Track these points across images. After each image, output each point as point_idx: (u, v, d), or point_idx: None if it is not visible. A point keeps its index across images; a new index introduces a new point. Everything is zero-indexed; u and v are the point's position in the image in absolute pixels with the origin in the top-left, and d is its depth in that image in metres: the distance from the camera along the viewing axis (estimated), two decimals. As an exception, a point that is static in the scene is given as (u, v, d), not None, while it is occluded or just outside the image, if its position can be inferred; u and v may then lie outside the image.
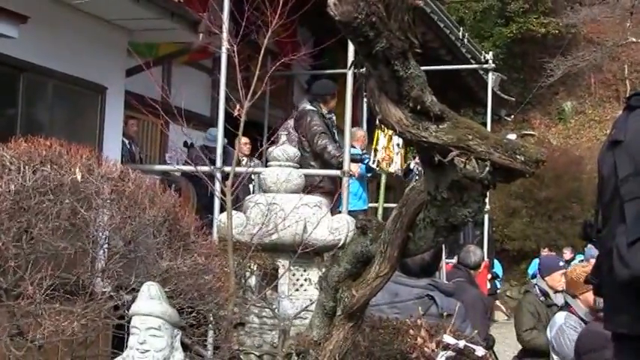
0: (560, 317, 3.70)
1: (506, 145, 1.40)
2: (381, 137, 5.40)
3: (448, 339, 1.79)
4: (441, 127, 1.38)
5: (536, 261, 12.83)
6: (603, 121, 17.17)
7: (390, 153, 5.46)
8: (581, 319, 3.57)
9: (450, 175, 1.39)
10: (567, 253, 11.64)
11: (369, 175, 5.62)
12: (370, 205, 6.66)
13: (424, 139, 1.37)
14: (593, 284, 2.24)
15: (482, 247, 7.24)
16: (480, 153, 1.37)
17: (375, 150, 5.48)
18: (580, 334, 3.24)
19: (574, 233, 12.27)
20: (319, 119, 4.92)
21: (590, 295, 3.54)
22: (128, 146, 5.16)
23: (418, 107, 1.37)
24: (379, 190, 5.79)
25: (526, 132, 14.07)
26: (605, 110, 18.36)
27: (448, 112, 1.42)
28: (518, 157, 1.39)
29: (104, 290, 2.13)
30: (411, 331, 1.87)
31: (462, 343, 1.80)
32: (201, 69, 6.61)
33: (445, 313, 2.22)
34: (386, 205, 5.70)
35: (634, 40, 17.59)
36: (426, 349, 1.78)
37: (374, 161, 5.43)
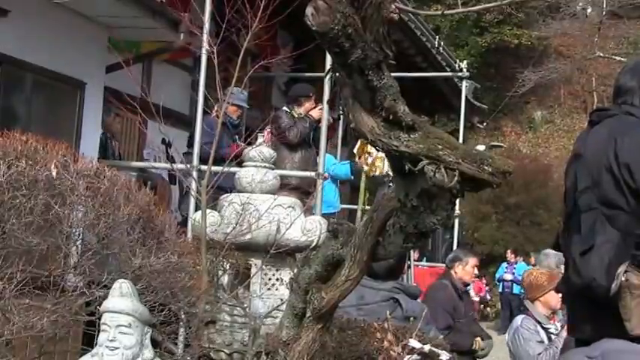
0: (517, 320, 3.83)
1: (474, 156, 1.46)
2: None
3: (414, 343, 1.84)
4: (412, 136, 1.43)
5: (503, 265, 13.11)
6: (571, 131, 17.65)
7: (365, 159, 5.54)
8: (537, 322, 3.70)
9: (420, 184, 1.44)
10: (534, 259, 11.91)
11: (352, 177, 5.67)
12: (349, 206, 6.72)
13: (395, 148, 1.42)
14: (561, 292, 2.33)
15: (451, 251, 7.38)
16: (449, 163, 1.43)
17: (369, 153, 5.55)
18: (564, 342, 3.34)
19: (540, 239, 12.59)
20: (287, 116, 4.99)
21: (549, 297, 3.67)
22: (104, 141, 5.10)
23: (390, 117, 1.42)
24: (359, 193, 5.84)
25: (494, 143, 14.35)
26: (573, 120, 18.89)
27: (419, 122, 1.47)
28: (485, 167, 1.44)
29: (75, 286, 2.13)
30: (378, 334, 1.92)
31: (427, 348, 1.86)
32: (182, 67, 6.58)
33: (410, 316, 2.28)
34: (368, 207, 5.76)
35: (601, 54, 18.14)
36: (391, 352, 1.83)
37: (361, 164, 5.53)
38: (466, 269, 4.37)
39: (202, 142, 4.19)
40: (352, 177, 5.70)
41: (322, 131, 4.55)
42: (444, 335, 3.96)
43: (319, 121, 4.86)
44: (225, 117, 4.77)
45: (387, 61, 1.41)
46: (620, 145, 2.00)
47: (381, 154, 5.46)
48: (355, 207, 5.96)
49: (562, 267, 4.84)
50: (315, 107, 5.08)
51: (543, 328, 3.68)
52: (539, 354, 3.55)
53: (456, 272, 4.33)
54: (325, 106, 4.79)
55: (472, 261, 4.44)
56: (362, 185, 5.68)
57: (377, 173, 5.64)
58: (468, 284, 4.52)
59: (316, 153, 5.02)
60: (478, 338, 4.16)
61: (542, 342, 3.63)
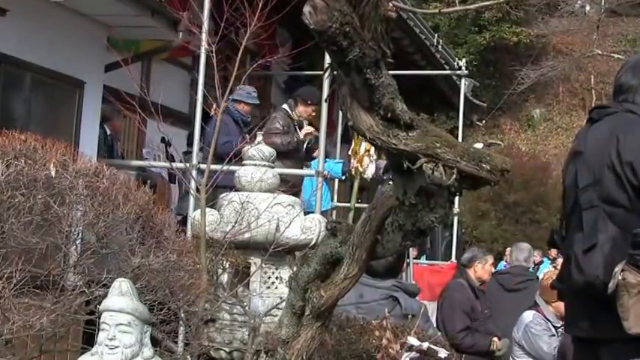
0: (527, 316, 3.82)
1: (472, 154, 1.46)
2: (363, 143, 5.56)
3: (412, 340, 1.85)
4: (410, 134, 1.44)
5: (502, 263, 13.12)
6: (570, 129, 17.69)
7: (361, 158, 5.61)
8: (547, 319, 3.70)
9: (418, 182, 1.45)
10: (537, 257, 11.88)
11: (342, 177, 5.75)
12: (342, 204, 6.77)
13: (394, 146, 1.43)
14: (558, 289, 2.34)
15: (451, 249, 7.39)
16: (447, 161, 1.43)
17: (356, 153, 5.63)
18: (565, 342, 3.35)
19: (539, 236, 12.61)
20: (284, 118, 5.01)
21: (561, 304, 3.66)
22: (110, 142, 5.14)
23: (389, 115, 1.42)
24: (352, 191, 5.91)
25: (492, 141, 14.38)
26: (571, 118, 18.93)
27: (418, 121, 1.48)
28: (483, 165, 1.45)
29: (75, 285, 2.13)
30: (377, 332, 1.93)
31: (425, 345, 1.86)
32: (181, 66, 6.58)
33: (409, 314, 2.29)
34: (358, 205, 5.81)
35: (599, 52, 18.17)
36: (390, 350, 1.84)
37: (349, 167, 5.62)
38: (485, 267, 4.40)
39: (221, 142, 4.26)
40: (343, 177, 5.76)
41: (322, 127, 4.57)
42: (462, 336, 3.97)
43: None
44: (238, 115, 4.88)
45: (385, 59, 1.41)
46: (623, 143, 2.00)
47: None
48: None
49: (532, 261, 4.75)
50: (310, 113, 5.12)
51: (553, 326, 3.69)
52: (555, 347, 3.55)
53: (476, 271, 4.34)
54: (324, 104, 4.82)
55: (490, 259, 4.51)
56: (355, 185, 5.74)
57: (365, 175, 5.72)
58: (484, 282, 4.51)
59: (306, 157, 5.08)
60: (495, 338, 4.11)
61: (553, 335, 3.63)
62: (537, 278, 4.70)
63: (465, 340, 4.01)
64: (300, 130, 5.09)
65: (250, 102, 5.04)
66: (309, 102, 5.14)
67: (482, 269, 4.36)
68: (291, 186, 4.54)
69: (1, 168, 1.96)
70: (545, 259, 11.51)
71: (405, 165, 1.43)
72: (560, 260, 5.23)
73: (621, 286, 1.82)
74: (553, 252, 9.70)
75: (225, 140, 4.38)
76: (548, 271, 4.44)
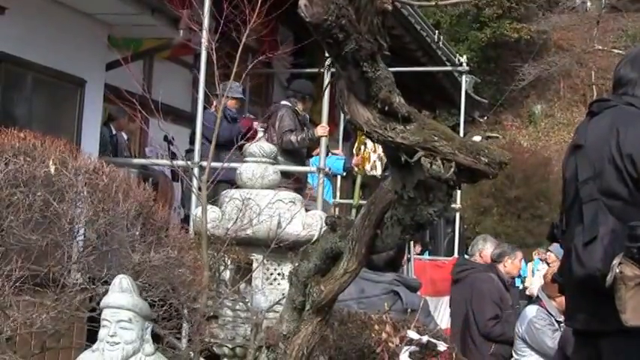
0: (530, 311, 3.81)
1: (470, 147, 1.45)
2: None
3: (412, 334, 1.85)
4: (407, 128, 1.43)
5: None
6: (571, 124, 17.68)
7: (364, 155, 5.62)
8: (550, 314, 3.69)
9: (417, 175, 1.44)
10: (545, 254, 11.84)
11: (344, 174, 5.76)
12: (345, 201, 6.78)
13: (391, 140, 1.42)
14: (558, 283, 2.34)
15: (453, 245, 7.39)
16: (445, 154, 1.42)
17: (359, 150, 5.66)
18: (564, 335, 3.34)
19: (541, 232, 12.58)
20: (291, 115, 5.00)
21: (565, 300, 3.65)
22: (127, 142, 5.15)
23: (386, 108, 1.41)
24: (355, 188, 5.93)
25: (490, 134, 14.33)
26: (572, 114, 18.91)
27: (415, 114, 1.47)
28: (482, 158, 1.44)
29: (75, 282, 2.14)
30: (377, 327, 1.93)
31: (425, 338, 1.86)
32: (183, 64, 6.59)
33: (409, 309, 2.29)
34: (362, 202, 5.82)
35: (600, 47, 18.14)
36: (390, 343, 1.84)
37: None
38: (514, 263, 4.42)
39: (207, 138, 4.26)
40: (344, 173, 5.78)
41: (323, 121, 4.57)
42: (492, 324, 3.99)
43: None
44: (225, 110, 4.86)
45: (382, 52, 1.40)
46: (623, 136, 1.99)
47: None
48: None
49: (506, 260, 4.70)
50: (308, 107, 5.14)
51: (556, 320, 3.68)
52: None
53: (505, 266, 4.35)
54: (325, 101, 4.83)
55: (519, 255, 4.52)
56: (357, 182, 5.76)
57: (373, 172, 5.73)
58: (514, 277, 4.52)
59: (307, 155, 5.10)
60: None
61: (557, 330, 3.63)
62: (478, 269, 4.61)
63: (495, 328, 4.05)
64: (305, 126, 5.09)
65: (235, 96, 5.00)
66: (310, 94, 5.17)
67: (511, 264, 4.38)
68: (294, 180, 4.55)
69: (0, 166, 1.97)
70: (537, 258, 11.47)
71: (403, 159, 1.42)
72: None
73: (618, 279, 1.82)
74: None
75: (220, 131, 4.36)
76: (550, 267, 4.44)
